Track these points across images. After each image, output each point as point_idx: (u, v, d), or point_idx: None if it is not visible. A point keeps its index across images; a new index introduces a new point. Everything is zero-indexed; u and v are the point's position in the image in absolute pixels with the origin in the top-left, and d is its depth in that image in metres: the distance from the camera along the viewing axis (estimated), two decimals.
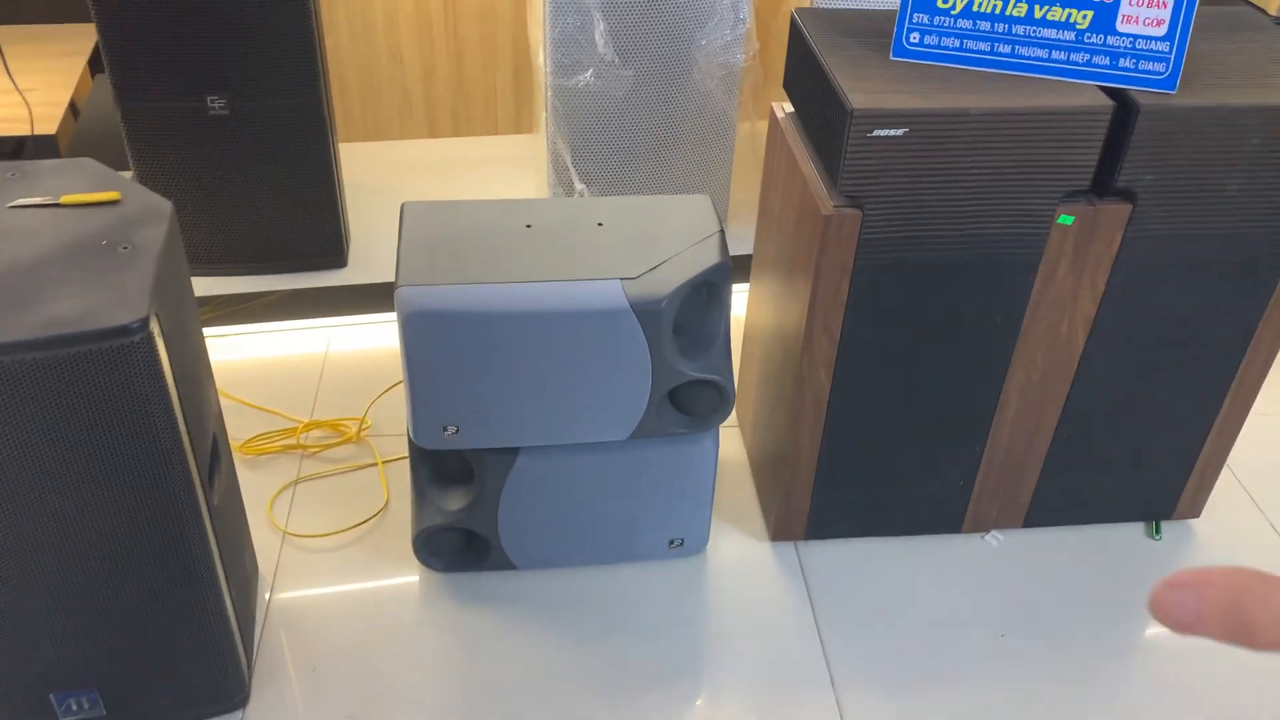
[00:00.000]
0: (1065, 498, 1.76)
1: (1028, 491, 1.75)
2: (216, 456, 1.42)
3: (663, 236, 1.49)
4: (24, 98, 1.84)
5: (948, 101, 1.32)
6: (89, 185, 1.32)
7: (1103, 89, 1.37)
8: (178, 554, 1.30)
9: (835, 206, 1.40)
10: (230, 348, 2.13)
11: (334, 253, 2.21)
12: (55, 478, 1.18)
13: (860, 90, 1.34)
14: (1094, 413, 1.64)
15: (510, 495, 1.58)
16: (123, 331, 1.11)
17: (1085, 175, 1.39)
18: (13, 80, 1.91)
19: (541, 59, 2.03)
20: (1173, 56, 1.35)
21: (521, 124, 2.76)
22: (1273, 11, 2.33)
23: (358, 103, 2.65)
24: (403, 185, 2.58)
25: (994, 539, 1.79)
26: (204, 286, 2.22)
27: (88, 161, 1.37)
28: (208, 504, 1.33)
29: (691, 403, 1.55)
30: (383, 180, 2.60)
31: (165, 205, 1.29)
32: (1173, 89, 1.36)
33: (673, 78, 2.10)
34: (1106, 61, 1.37)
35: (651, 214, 1.54)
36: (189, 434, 1.26)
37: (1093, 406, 1.64)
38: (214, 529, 1.36)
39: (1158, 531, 1.81)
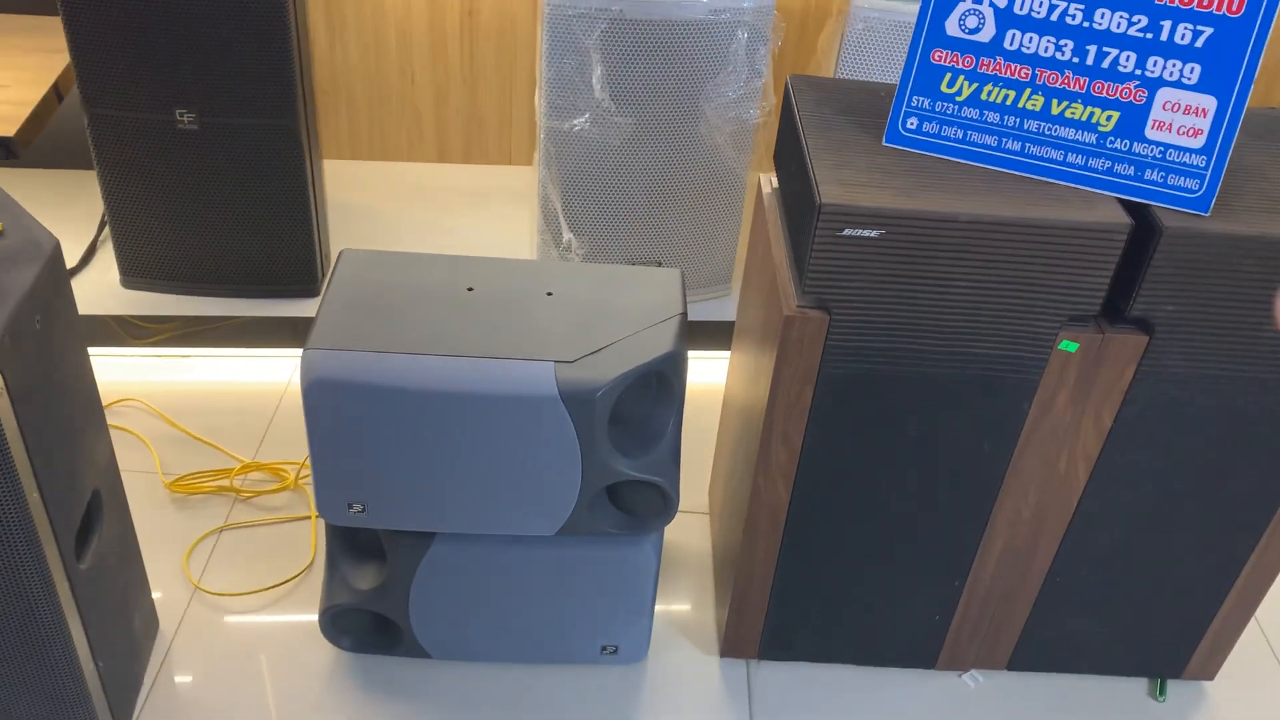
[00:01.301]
0: (1057, 643, 1.56)
1: (1014, 632, 1.55)
2: (96, 516, 1.30)
3: (615, 314, 1.33)
4: None
5: (935, 203, 1.15)
6: None
7: (1122, 203, 1.18)
8: (25, 626, 1.17)
9: (800, 306, 1.22)
10: (186, 370, 2.02)
11: (306, 280, 2.09)
12: None
13: (836, 181, 1.16)
14: (1094, 556, 1.44)
15: (423, 581, 1.43)
16: None
17: (1094, 300, 1.20)
18: None
19: (537, 98, 1.89)
20: (1209, 173, 1.15)
21: (535, 156, 2.62)
22: None
23: (365, 121, 2.53)
24: (397, 211, 2.46)
25: (972, 679, 1.59)
26: (166, 305, 2.11)
27: None
28: (69, 572, 1.21)
29: (632, 502, 1.39)
30: (377, 203, 2.48)
31: (49, 242, 1.17)
32: (1205, 211, 1.16)
33: (676, 130, 1.94)
34: (1130, 171, 1.18)
35: (610, 287, 1.38)
36: (45, 498, 1.14)
37: (1093, 550, 1.43)
38: (77, 598, 1.23)
39: (1162, 692, 1.59)
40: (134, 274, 2.08)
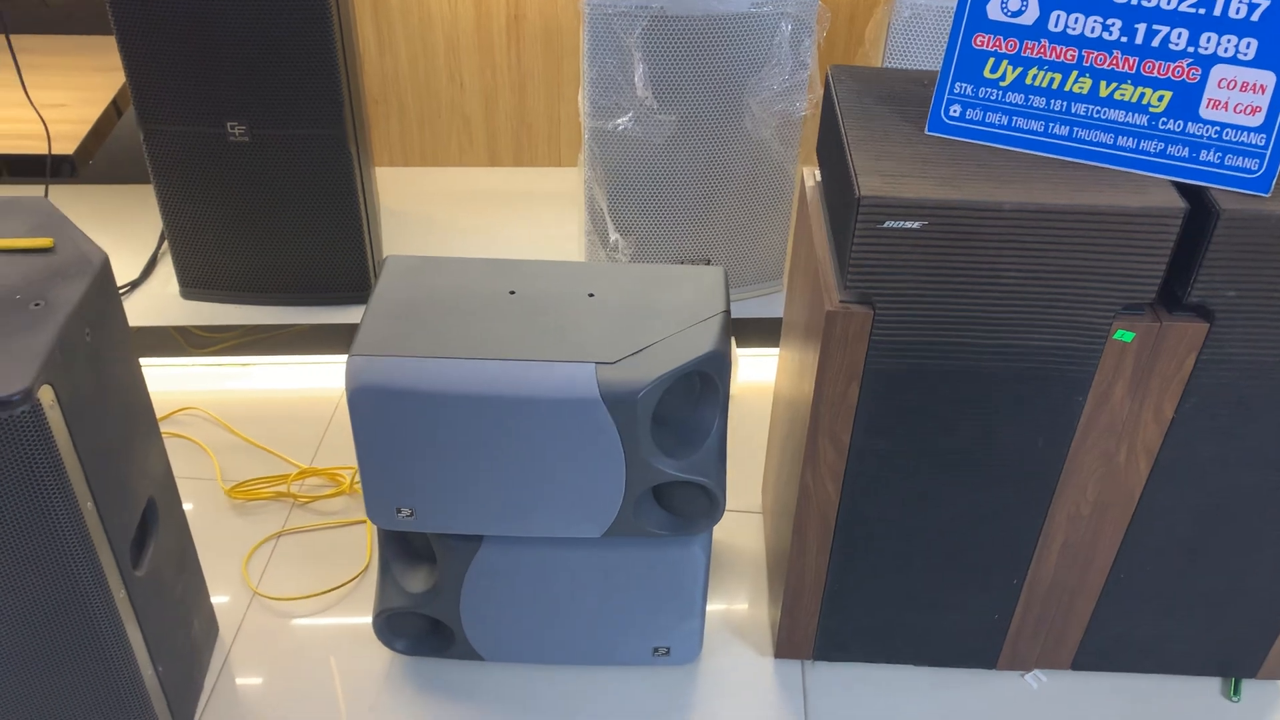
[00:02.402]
0: (1123, 642, 1.51)
1: (1078, 631, 1.50)
2: (151, 524, 1.32)
3: (657, 314, 1.32)
4: (40, 116, 1.80)
5: (980, 192, 1.11)
6: (30, 229, 1.23)
7: (1177, 186, 1.14)
8: (84, 634, 1.20)
9: (843, 302, 1.20)
10: (245, 377, 2.05)
11: (360, 287, 2.11)
12: None
13: (876, 173, 1.14)
14: (1159, 551, 1.39)
15: (473, 584, 1.43)
16: (2, 404, 1.01)
17: (1149, 287, 1.16)
18: (28, 96, 1.87)
19: (580, 98, 1.88)
20: (1269, 152, 1.10)
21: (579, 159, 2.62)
22: None
23: (416, 127, 2.55)
24: (449, 216, 2.47)
25: (1035, 680, 1.55)
26: (224, 314, 2.16)
27: (40, 201, 1.29)
28: (125, 579, 1.23)
29: (680, 503, 1.38)
30: (429, 209, 2.50)
31: (98, 256, 1.19)
32: (1266, 191, 1.11)
33: (720, 126, 1.92)
34: (1185, 153, 1.13)
35: (652, 286, 1.37)
36: (99, 507, 1.16)
37: (1159, 545, 1.39)
38: (134, 604, 1.25)
39: (1236, 692, 1.54)
40: (193, 285, 2.13)
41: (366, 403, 1.26)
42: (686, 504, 1.38)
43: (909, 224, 1.12)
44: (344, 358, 2.09)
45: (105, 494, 1.17)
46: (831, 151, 1.29)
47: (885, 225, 1.12)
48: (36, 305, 1.11)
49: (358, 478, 1.83)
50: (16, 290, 1.13)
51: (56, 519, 1.10)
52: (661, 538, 1.39)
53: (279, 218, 2.01)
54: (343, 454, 1.89)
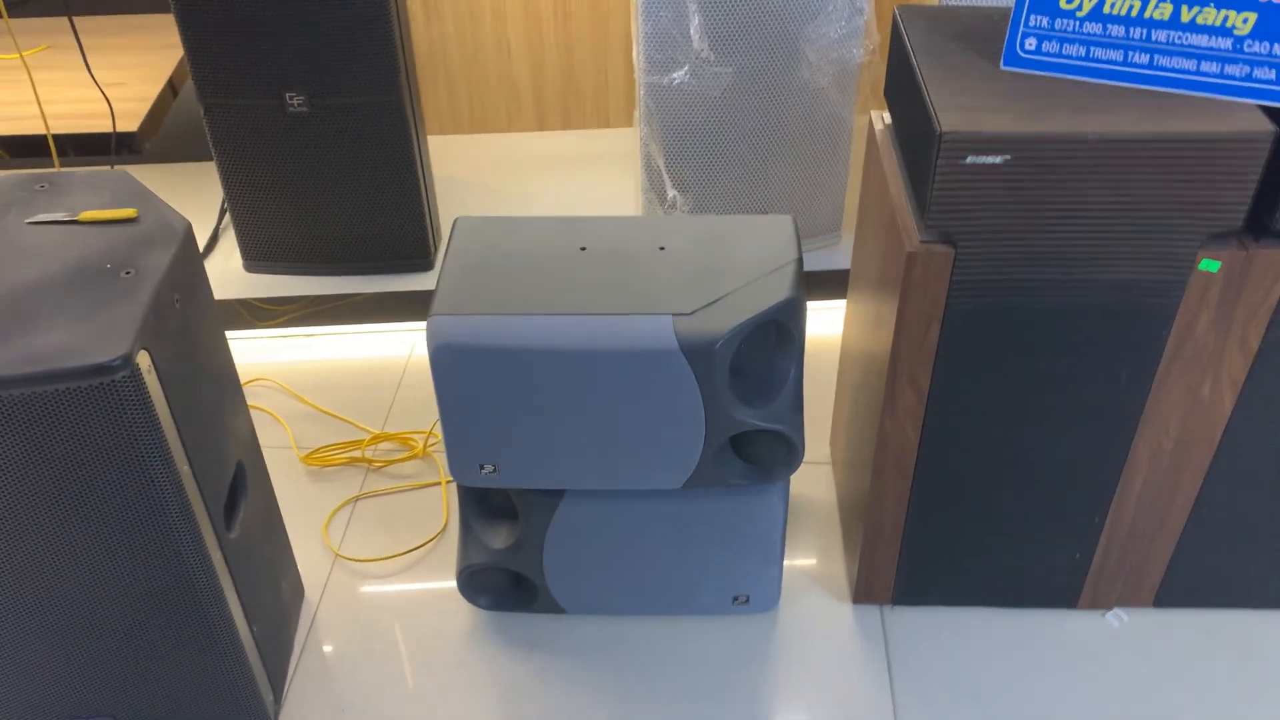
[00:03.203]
0: (1206, 577, 1.50)
1: (1159, 568, 1.49)
2: (241, 486, 1.35)
3: (730, 265, 1.32)
4: (104, 94, 1.82)
5: (1062, 124, 1.10)
6: (113, 200, 1.25)
7: (1265, 110, 1.12)
8: (184, 594, 1.23)
9: (923, 242, 1.19)
10: (312, 349, 2.08)
11: (420, 254, 2.13)
12: (45, 517, 1.12)
13: (955, 108, 1.13)
14: (1243, 486, 1.38)
15: (555, 538, 1.45)
16: (103, 369, 1.03)
17: (1237, 214, 1.14)
18: (92, 76, 1.89)
19: (635, 54, 1.88)
20: None
21: (634, 117, 2.61)
22: None
23: (464, 95, 2.56)
24: (502, 181, 2.48)
25: (1116, 618, 1.55)
26: (287, 286, 2.18)
27: (120, 174, 1.31)
28: (220, 541, 1.26)
29: (758, 452, 1.38)
30: (482, 176, 2.51)
31: (181, 224, 1.21)
32: None
33: (777, 76, 1.90)
34: (1272, 76, 1.11)
35: (723, 237, 1.37)
36: (194, 470, 1.18)
37: (1242, 479, 1.37)
38: (229, 565, 1.28)
39: None
40: (255, 258, 2.15)
41: (449, 361, 1.27)
42: (764, 453, 1.38)
43: (991, 159, 1.11)
44: (409, 325, 2.12)
45: (199, 458, 1.20)
46: (904, 91, 1.28)
47: (967, 161, 1.11)
48: (127, 274, 1.13)
49: (431, 441, 1.86)
50: (106, 260, 1.15)
51: (156, 483, 1.13)
52: (740, 487, 1.40)
53: (339, 188, 2.03)
54: (413, 419, 1.91)
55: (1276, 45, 1.10)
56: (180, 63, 2.10)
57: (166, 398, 1.12)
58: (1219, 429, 1.33)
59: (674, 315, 1.25)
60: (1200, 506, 1.41)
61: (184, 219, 1.22)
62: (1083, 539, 1.45)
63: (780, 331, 1.31)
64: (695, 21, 1.78)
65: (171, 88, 2.06)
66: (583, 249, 1.36)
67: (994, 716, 1.43)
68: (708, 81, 1.85)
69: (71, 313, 1.08)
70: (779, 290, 1.28)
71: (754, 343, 1.31)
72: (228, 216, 2.15)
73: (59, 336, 1.05)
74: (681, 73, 1.83)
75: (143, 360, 1.07)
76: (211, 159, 2.03)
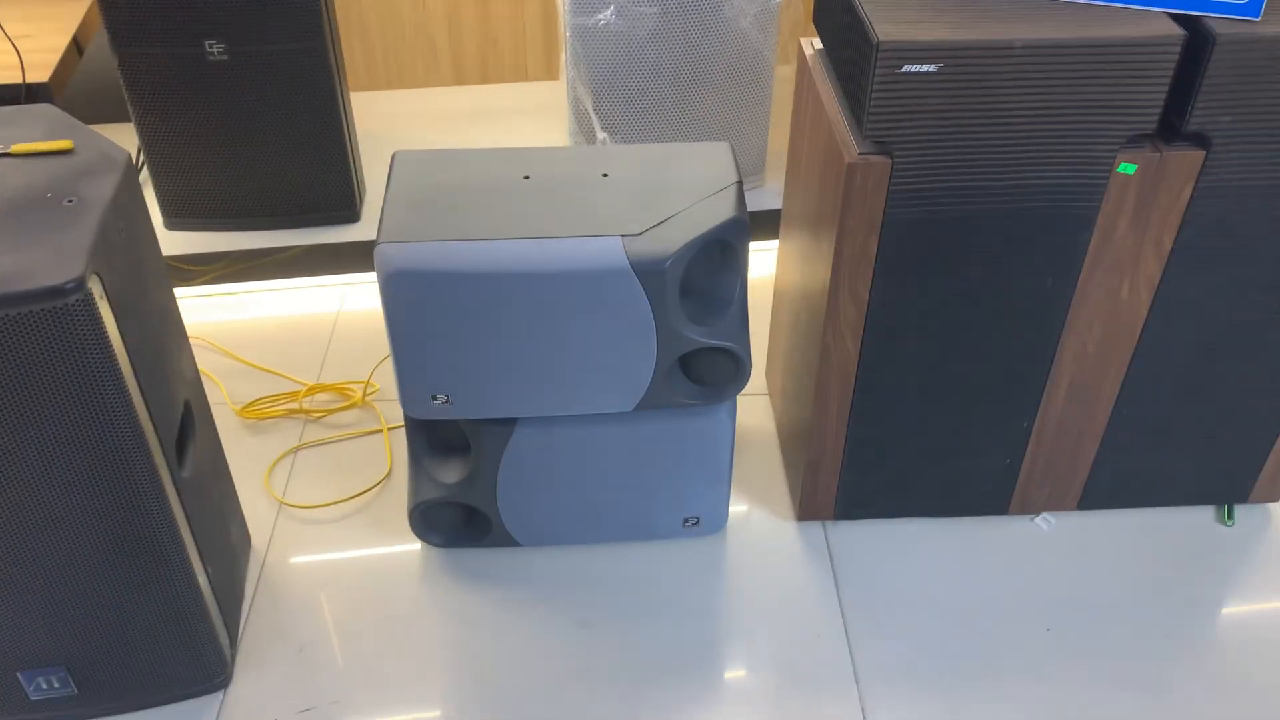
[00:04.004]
0: (1126, 478, 1.59)
1: (1083, 471, 1.58)
2: (189, 426, 1.33)
3: (673, 189, 1.35)
4: (14, 45, 1.76)
5: (990, 32, 1.16)
6: (45, 134, 1.22)
7: (1173, 16, 1.19)
8: (140, 532, 1.21)
9: (861, 154, 1.24)
10: (239, 306, 2.04)
11: (346, 206, 2.11)
12: None
13: (889, 21, 1.17)
14: (1159, 386, 1.47)
15: (509, 469, 1.47)
16: (56, 292, 1.01)
17: (1150, 117, 1.21)
18: (1, 27, 1.82)
19: None
20: None
21: (552, 70, 2.62)
22: None
23: (380, 50, 2.53)
24: (423, 136, 2.46)
25: (1044, 522, 1.63)
26: (210, 242, 2.14)
27: (47, 108, 1.27)
28: (174, 477, 1.24)
29: (705, 372, 1.42)
30: (403, 131, 2.49)
31: (121, 155, 1.19)
32: (1257, 15, 1.17)
33: (701, 16, 1.93)
34: None
35: (664, 163, 1.40)
36: (147, 402, 1.17)
37: (1157, 379, 1.46)
38: (183, 504, 1.27)
39: (1230, 516, 1.63)
40: (176, 214, 2.10)
41: (399, 289, 1.27)
42: (712, 372, 1.42)
43: (926, 67, 1.16)
44: (338, 278, 2.10)
45: (151, 391, 1.18)
46: (834, 13, 1.32)
47: (903, 70, 1.16)
48: (69, 202, 1.11)
49: (369, 390, 1.85)
50: (47, 190, 1.12)
51: (111, 412, 1.11)
52: (689, 408, 1.43)
53: (261, 139, 1.99)
54: (348, 370, 1.90)
55: None
56: (85, 19, 2.03)
57: (118, 325, 1.10)
58: (1137, 329, 1.41)
59: (623, 236, 1.28)
60: (1120, 407, 1.49)
61: (123, 149, 1.20)
62: (1013, 444, 1.53)
63: (725, 251, 1.34)
64: None
65: (76, 45, 1.99)
66: (526, 177, 1.37)
67: (935, 620, 1.50)
68: (633, 22, 1.88)
69: (17, 240, 1.05)
70: (724, 210, 1.31)
71: (700, 263, 1.34)
72: (144, 173, 2.09)
73: (6, 262, 1.03)
74: (607, 14, 1.85)
75: (94, 285, 1.05)
76: (119, 121, 1.97)
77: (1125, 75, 1.17)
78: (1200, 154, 1.24)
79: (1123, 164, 1.25)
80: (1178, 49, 1.16)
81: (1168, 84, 1.19)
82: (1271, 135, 1.23)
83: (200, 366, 1.89)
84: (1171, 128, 1.24)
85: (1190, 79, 1.19)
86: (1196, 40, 1.17)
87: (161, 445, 1.21)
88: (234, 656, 1.44)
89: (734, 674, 1.44)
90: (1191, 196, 1.28)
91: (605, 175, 1.38)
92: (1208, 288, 1.36)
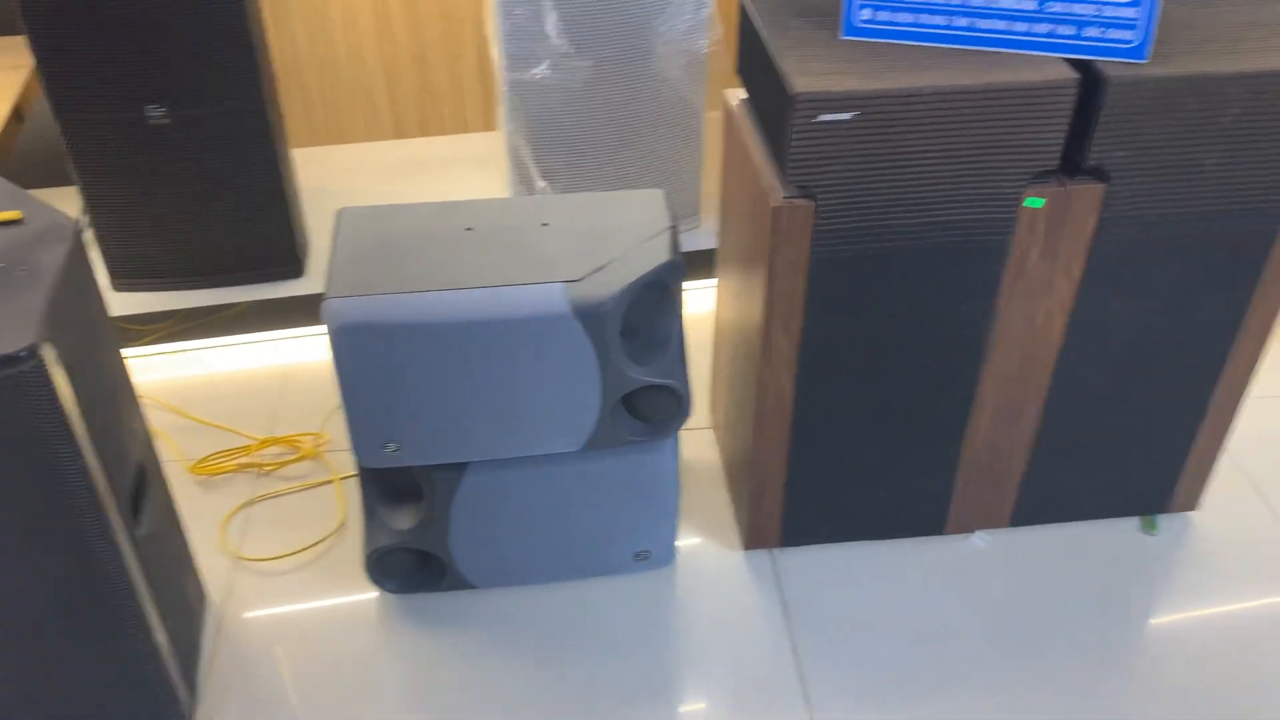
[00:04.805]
0: (1053, 494, 1.67)
1: (1013, 489, 1.65)
2: (144, 485, 1.35)
3: (611, 235, 1.41)
4: None
5: (898, 81, 1.23)
6: None
7: (1068, 61, 1.28)
8: (97, 591, 1.23)
9: (786, 198, 1.31)
10: (188, 364, 2.06)
11: (290, 262, 2.14)
12: None
13: (805, 73, 1.25)
14: (1078, 404, 1.55)
15: (461, 513, 1.50)
16: (10, 360, 1.04)
17: (1053, 154, 1.30)
18: None
19: (495, 53, 1.95)
20: (1142, 23, 1.25)
21: (491, 121, 2.68)
22: None
23: (320, 106, 2.57)
24: (366, 189, 2.51)
25: (980, 540, 1.70)
26: (157, 302, 2.16)
27: None
28: (130, 537, 1.26)
29: (648, 409, 1.47)
30: (345, 185, 2.53)
31: (69, 224, 1.22)
32: (1143, 58, 1.26)
33: (632, 67, 2.01)
34: (1072, 31, 1.27)
35: (600, 211, 1.46)
36: (103, 464, 1.19)
37: (1076, 398, 1.54)
38: (139, 562, 1.29)
39: (1154, 526, 1.72)
40: (123, 276, 2.12)
41: (348, 342, 1.31)
42: (655, 409, 1.47)
43: (841, 116, 1.23)
44: (285, 333, 2.13)
45: (105, 452, 1.21)
46: (756, 66, 1.39)
47: (819, 119, 1.23)
48: (21, 272, 1.14)
49: (320, 442, 1.88)
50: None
51: (65, 475, 1.13)
52: (635, 445, 1.48)
53: (205, 199, 2.02)
54: (298, 423, 1.92)
55: (1074, 5, 1.26)
56: (25, 87, 2.05)
57: (72, 390, 1.13)
58: (1054, 352, 1.49)
59: (564, 282, 1.33)
60: (1044, 426, 1.57)
61: (72, 219, 1.23)
62: (945, 467, 1.60)
63: (662, 292, 1.40)
64: (552, 18, 1.87)
65: (18, 113, 2.01)
66: (469, 229, 1.42)
67: (882, 640, 1.56)
68: (568, 75, 1.94)
69: None
70: (660, 253, 1.37)
71: (639, 305, 1.40)
72: (89, 235, 2.11)
73: None
74: (542, 68, 1.92)
75: (47, 352, 1.08)
76: (62, 185, 1.99)
77: (1027, 117, 1.26)
78: (1101, 187, 1.33)
79: (1030, 198, 1.33)
80: (1074, 91, 1.25)
81: (1067, 123, 1.28)
82: (1164, 167, 1.32)
83: (151, 425, 1.91)
84: (1073, 163, 1.33)
85: (1087, 118, 1.28)
86: (1090, 82, 1.26)
87: (117, 505, 1.23)
88: (193, 712, 1.45)
89: (690, 705, 1.48)
90: (1096, 226, 1.36)
91: (545, 224, 1.43)
92: (1117, 310, 1.45)
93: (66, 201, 2.10)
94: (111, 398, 1.27)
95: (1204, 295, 1.44)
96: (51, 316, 1.10)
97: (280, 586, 1.64)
